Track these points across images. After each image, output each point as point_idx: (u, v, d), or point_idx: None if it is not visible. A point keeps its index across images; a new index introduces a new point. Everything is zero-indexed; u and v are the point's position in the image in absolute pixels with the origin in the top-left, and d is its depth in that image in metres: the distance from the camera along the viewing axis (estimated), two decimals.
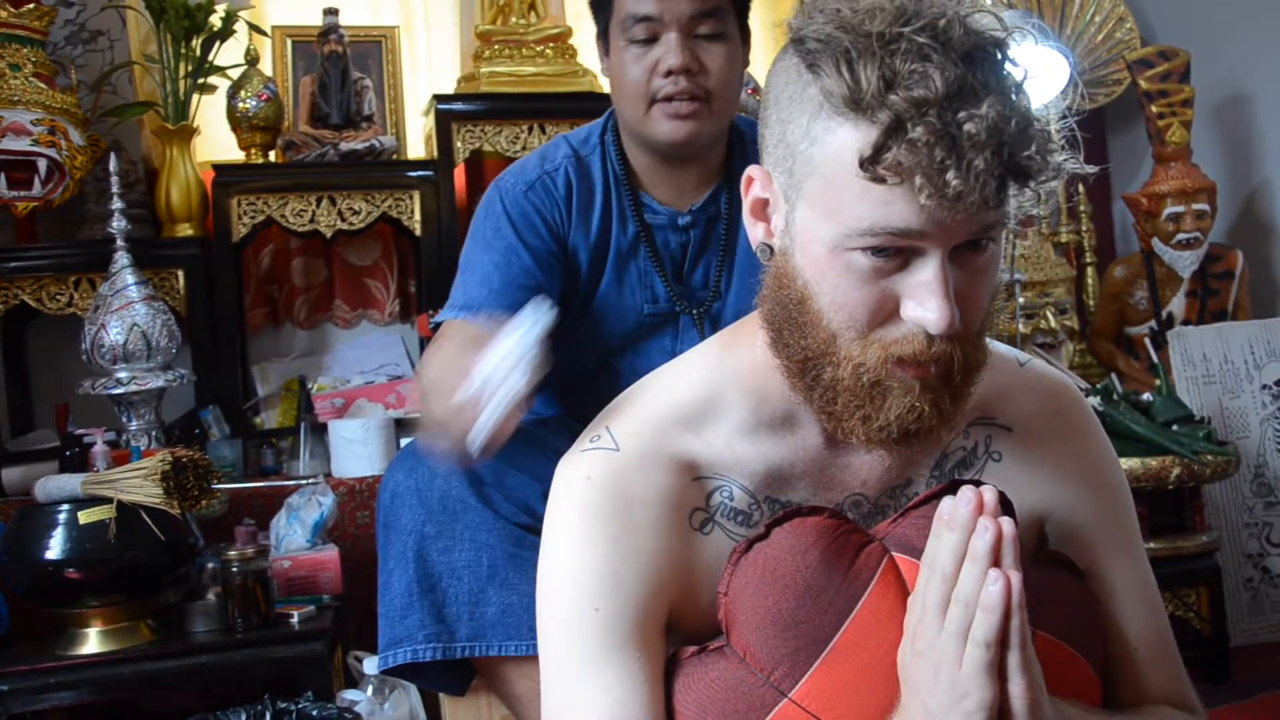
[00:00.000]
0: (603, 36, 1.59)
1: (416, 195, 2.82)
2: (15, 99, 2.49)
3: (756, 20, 3.32)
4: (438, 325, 1.55)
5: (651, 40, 1.49)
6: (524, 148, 2.88)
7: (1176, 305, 2.99)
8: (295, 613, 2.02)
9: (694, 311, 1.59)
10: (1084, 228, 3.27)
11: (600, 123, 1.64)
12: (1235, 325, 2.82)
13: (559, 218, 1.55)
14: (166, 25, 2.66)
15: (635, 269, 1.59)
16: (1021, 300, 2.77)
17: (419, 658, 1.43)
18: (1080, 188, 3.18)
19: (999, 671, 0.78)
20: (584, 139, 1.63)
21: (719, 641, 0.94)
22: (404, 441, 2.55)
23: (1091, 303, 3.24)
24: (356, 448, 2.59)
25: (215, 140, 2.95)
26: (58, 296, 2.60)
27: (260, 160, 2.82)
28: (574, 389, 1.61)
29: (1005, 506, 0.85)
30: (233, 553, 2.06)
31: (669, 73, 1.48)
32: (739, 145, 1.63)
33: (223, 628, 1.98)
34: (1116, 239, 3.55)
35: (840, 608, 0.89)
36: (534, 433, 1.57)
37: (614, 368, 1.61)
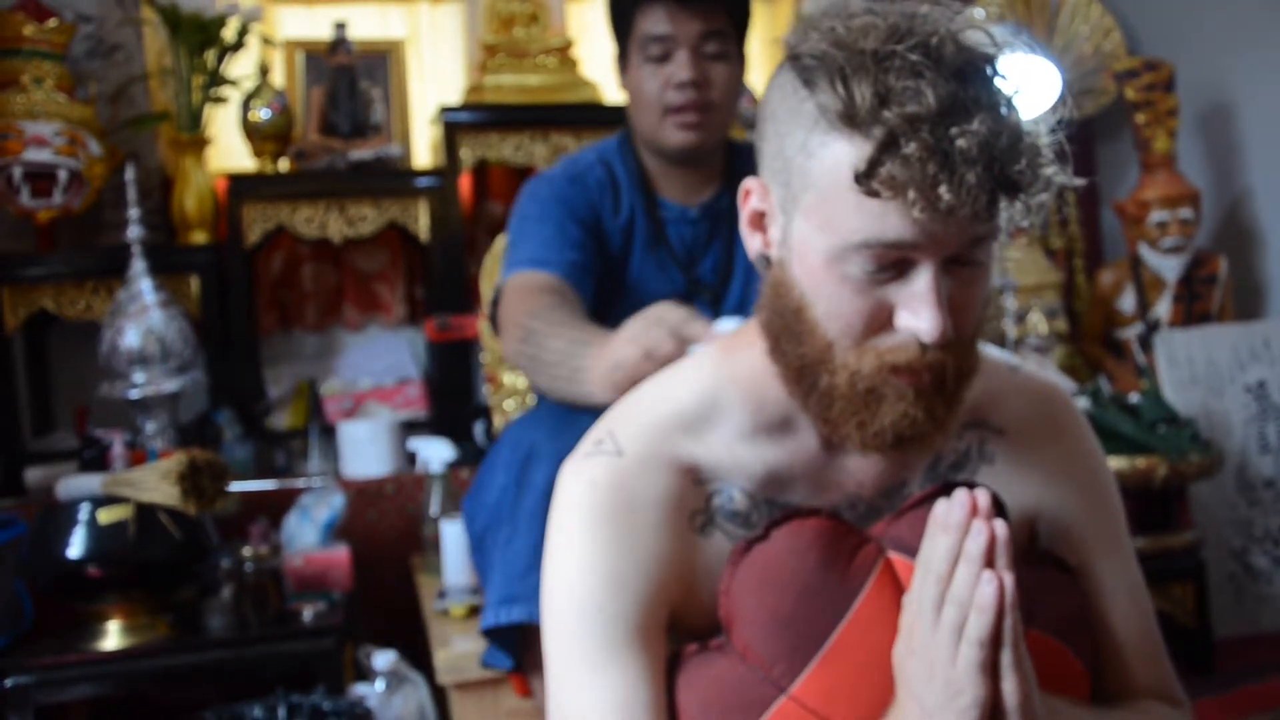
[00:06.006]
0: (622, 56, 1.75)
1: (423, 203, 2.86)
2: (37, 112, 2.54)
3: (755, 36, 3.39)
4: (497, 295, 1.71)
5: (665, 58, 1.67)
6: (528, 156, 2.93)
7: (1163, 309, 3.00)
8: (307, 609, 2.05)
9: (706, 296, 1.76)
10: (1072, 234, 3.32)
11: (616, 137, 1.81)
12: (1219, 329, 2.84)
13: (594, 204, 1.74)
14: (181, 38, 2.69)
15: (656, 257, 1.76)
16: (1013, 305, 2.80)
17: (534, 618, 1.44)
18: (1069, 196, 3.23)
19: (992, 669, 0.79)
20: (604, 148, 1.82)
21: (720, 640, 0.94)
22: (411, 441, 2.60)
23: (1081, 306, 3.28)
24: (365, 448, 2.63)
25: (228, 149, 2.98)
26: (77, 302, 2.62)
27: (271, 169, 2.85)
28: None
29: (998, 508, 0.87)
30: (246, 551, 2.08)
31: (680, 85, 1.66)
32: (737, 153, 1.83)
33: (237, 624, 2.01)
34: (1105, 244, 3.57)
35: (838, 607, 0.90)
36: None
37: None
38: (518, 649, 1.55)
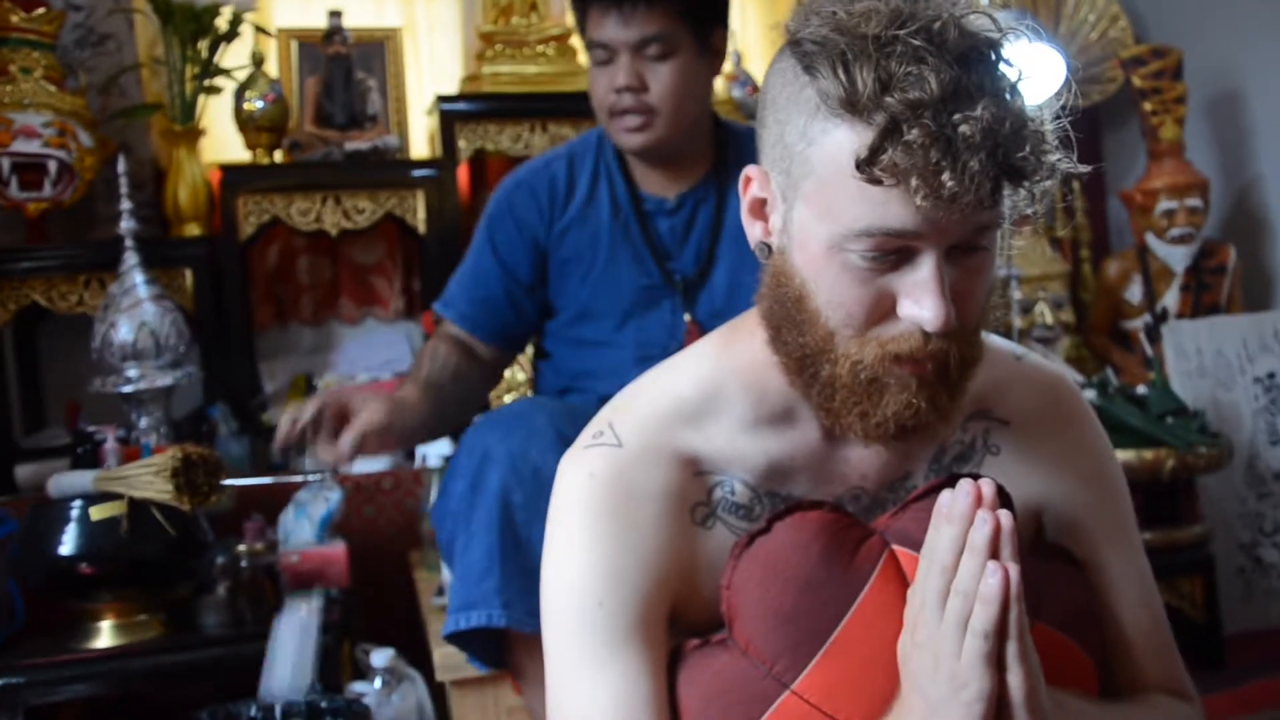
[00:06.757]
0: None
1: (420, 194, 2.85)
2: (26, 102, 2.52)
3: (754, 22, 3.37)
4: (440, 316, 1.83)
5: (608, 61, 1.67)
6: (526, 147, 2.92)
7: (1170, 300, 2.99)
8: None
9: (679, 288, 1.75)
10: (1079, 223, 3.30)
11: (599, 129, 1.80)
12: (1228, 319, 2.83)
13: (542, 212, 1.77)
14: (173, 28, 2.68)
15: (630, 249, 1.75)
16: (1019, 296, 2.79)
17: (493, 623, 1.45)
18: (1075, 185, 3.20)
19: (997, 662, 0.79)
20: (582, 139, 1.82)
21: (721, 634, 0.94)
22: None
23: (1088, 297, 3.26)
24: None
25: (222, 141, 2.96)
26: (68, 296, 2.61)
27: (266, 160, 2.84)
28: (583, 363, 1.78)
29: (1003, 499, 0.86)
30: (242, 547, 2.08)
31: (618, 90, 1.66)
32: (728, 141, 1.79)
33: (232, 621, 2.00)
34: (1112, 234, 3.56)
35: (841, 600, 0.89)
36: None
37: (618, 341, 1.76)
38: (494, 652, 1.55)
